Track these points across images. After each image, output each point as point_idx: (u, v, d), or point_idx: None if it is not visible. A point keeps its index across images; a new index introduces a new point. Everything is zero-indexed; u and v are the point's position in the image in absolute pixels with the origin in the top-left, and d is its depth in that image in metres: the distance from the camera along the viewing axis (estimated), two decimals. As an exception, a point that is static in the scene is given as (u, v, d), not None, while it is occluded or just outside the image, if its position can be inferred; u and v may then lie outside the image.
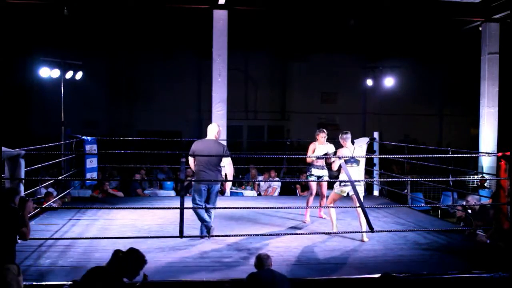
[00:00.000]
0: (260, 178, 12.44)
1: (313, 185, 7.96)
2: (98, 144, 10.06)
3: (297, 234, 6.82)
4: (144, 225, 7.49)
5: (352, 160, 6.80)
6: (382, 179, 10.79)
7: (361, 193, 6.72)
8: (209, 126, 6.80)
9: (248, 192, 11.83)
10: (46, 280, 4.97)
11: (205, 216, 6.61)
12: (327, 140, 8.03)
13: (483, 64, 13.75)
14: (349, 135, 6.96)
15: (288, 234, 6.78)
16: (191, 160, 6.66)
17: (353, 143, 6.99)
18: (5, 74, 15.69)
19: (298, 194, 11.86)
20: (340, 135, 7.00)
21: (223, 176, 6.72)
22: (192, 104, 19.87)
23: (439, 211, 11.30)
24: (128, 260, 4.16)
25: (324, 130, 8.05)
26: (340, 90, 20.92)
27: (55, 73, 13.47)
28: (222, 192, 10.06)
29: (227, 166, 6.60)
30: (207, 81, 15.47)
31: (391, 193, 10.96)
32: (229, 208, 7.18)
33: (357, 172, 6.81)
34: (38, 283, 4.87)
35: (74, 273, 5.11)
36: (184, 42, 18.23)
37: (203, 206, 6.60)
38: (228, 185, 6.67)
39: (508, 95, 14.75)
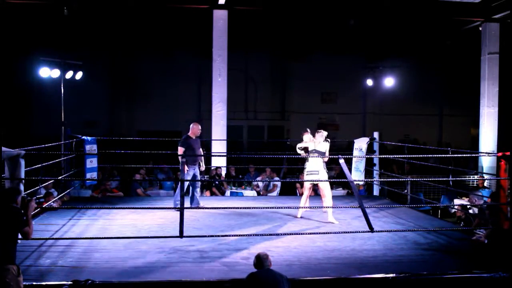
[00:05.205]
0: (259, 178, 12.43)
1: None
2: (98, 144, 10.06)
3: (297, 234, 6.82)
4: (144, 225, 7.49)
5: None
6: (382, 179, 10.79)
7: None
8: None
9: (248, 192, 11.82)
10: (46, 280, 4.97)
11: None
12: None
13: (483, 64, 13.76)
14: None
15: (288, 234, 6.78)
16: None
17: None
18: (5, 74, 15.69)
19: (298, 194, 11.85)
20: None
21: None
22: (192, 104, 19.83)
23: (439, 211, 11.29)
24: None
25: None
26: (340, 90, 20.89)
27: (55, 73, 13.44)
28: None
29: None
30: (207, 81, 15.48)
31: (391, 193, 10.96)
32: (229, 208, 7.21)
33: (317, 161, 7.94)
34: (38, 283, 4.87)
35: (74, 273, 5.12)
36: (184, 42, 18.20)
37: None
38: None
39: (508, 95, 14.76)
